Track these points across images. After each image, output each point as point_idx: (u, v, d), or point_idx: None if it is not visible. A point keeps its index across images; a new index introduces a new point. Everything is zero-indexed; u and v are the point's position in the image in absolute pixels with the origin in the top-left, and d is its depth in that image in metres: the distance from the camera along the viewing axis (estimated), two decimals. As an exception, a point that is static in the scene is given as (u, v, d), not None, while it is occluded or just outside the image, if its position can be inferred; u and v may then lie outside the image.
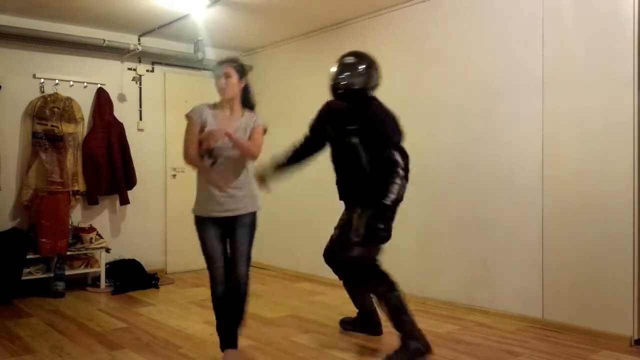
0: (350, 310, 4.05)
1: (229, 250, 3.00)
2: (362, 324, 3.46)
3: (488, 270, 3.90)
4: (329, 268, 5.18)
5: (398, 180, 2.90)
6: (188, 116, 2.95)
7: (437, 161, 4.21)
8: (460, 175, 4.06)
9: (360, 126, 3.02)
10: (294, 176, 5.60)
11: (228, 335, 2.99)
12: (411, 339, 2.93)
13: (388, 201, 2.90)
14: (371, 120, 3.03)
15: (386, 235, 2.92)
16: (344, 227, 3.26)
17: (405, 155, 3.00)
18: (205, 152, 2.90)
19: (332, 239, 3.39)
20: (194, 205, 2.98)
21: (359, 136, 3.02)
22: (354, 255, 3.05)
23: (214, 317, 2.99)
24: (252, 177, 3.14)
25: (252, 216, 2.99)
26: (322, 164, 5.31)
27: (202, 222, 2.95)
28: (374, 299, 3.11)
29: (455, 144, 4.10)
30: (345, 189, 3.29)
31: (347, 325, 3.54)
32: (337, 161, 3.29)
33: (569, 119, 3.47)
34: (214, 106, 3.01)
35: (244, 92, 3.04)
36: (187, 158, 2.92)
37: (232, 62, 3.02)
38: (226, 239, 2.99)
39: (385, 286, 2.99)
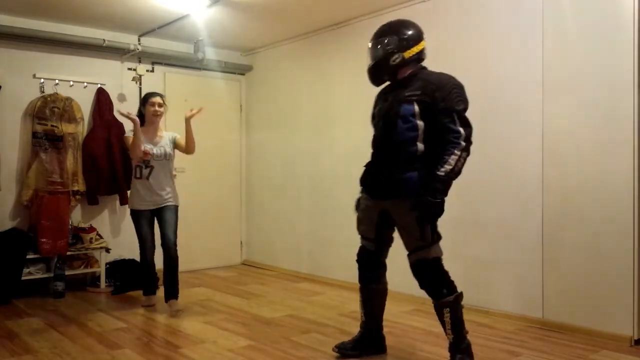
0: (349, 309, 4.05)
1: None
2: (368, 342, 3.05)
3: (488, 271, 3.90)
4: (328, 268, 5.21)
5: (457, 151, 2.58)
6: (125, 137, 4.10)
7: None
8: (460, 175, 4.06)
9: (421, 92, 2.68)
10: (293, 177, 5.62)
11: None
12: (466, 355, 2.72)
13: (442, 172, 2.58)
14: (431, 86, 2.68)
15: (438, 211, 2.61)
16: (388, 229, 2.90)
17: (467, 125, 2.65)
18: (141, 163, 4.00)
19: (368, 238, 2.98)
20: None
21: (418, 105, 2.67)
22: (431, 258, 2.69)
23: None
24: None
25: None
26: (323, 164, 5.33)
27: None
28: (438, 309, 2.75)
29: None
30: (381, 174, 2.81)
31: (348, 350, 3.03)
32: (382, 142, 2.85)
33: (569, 119, 3.47)
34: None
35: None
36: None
37: (161, 95, 4.19)
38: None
39: (456, 293, 2.72)
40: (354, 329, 3.57)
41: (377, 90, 3.03)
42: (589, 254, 3.37)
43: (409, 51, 2.76)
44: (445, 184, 2.60)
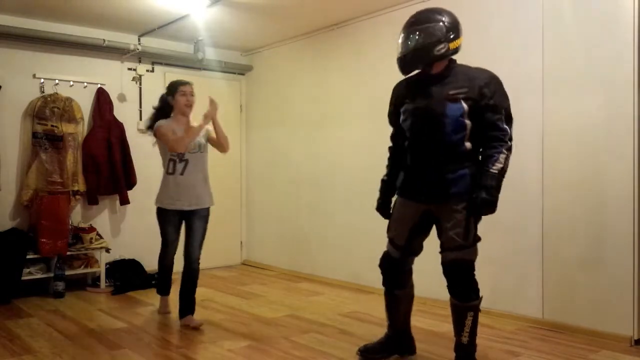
0: (349, 309, 4.05)
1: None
2: (394, 343, 2.95)
3: (488, 270, 3.89)
4: (328, 268, 5.21)
5: (505, 150, 2.53)
6: (159, 127, 3.64)
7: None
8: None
9: (468, 89, 2.56)
10: (293, 177, 5.62)
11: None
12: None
13: (494, 170, 2.51)
14: (477, 82, 2.57)
15: (493, 209, 2.55)
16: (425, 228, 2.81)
17: (511, 122, 2.61)
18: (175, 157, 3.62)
19: (395, 244, 2.85)
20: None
21: (466, 102, 2.55)
22: (468, 260, 2.62)
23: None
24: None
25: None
26: (323, 163, 5.33)
27: None
28: (461, 310, 2.65)
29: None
30: (428, 176, 2.67)
31: (374, 354, 2.92)
32: (426, 144, 2.68)
33: (569, 119, 3.47)
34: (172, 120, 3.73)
35: None
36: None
37: (191, 83, 3.76)
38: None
39: (480, 297, 2.67)
40: (354, 329, 3.58)
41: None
42: (589, 254, 3.37)
43: (454, 42, 2.62)
44: (499, 181, 2.54)
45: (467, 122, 2.57)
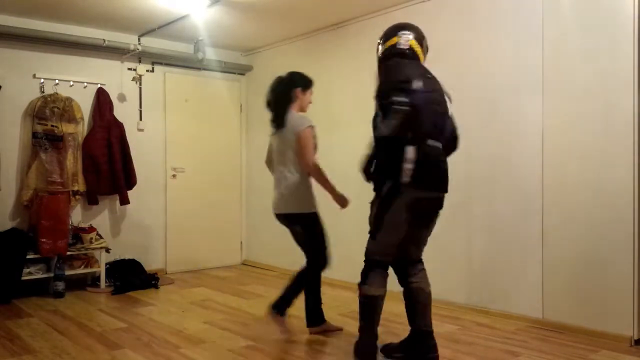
0: (349, 309, 4.05)
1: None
2: (414, 347, 2.92)
3: (488, 270, 3.90)
4: (328, 268, 5.19)
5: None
6: (313, 128, 3.45)
7: (437, 161, 4.20)
8: (460, 175, 4.06)
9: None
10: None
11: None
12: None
13: (377, 133, 2.68)
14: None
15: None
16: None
17: (389, 112, 2.56)
18: None
19: None
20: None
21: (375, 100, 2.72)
22: (365, 250, 2.84)
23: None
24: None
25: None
26: (322, 163, 5.31)
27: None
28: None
29: (455, 144, 4.09)
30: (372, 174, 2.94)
31: (391, 352, 3.00)
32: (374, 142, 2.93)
33: (569, 119, 3.47)
34: None
35: None
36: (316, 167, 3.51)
37: None
38: None
39: (361, 282, 2.82)
40: (354, 329, 3.56)
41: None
42: (589, 254, 3.37)
43: (384, 45, 2.98)
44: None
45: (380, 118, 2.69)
